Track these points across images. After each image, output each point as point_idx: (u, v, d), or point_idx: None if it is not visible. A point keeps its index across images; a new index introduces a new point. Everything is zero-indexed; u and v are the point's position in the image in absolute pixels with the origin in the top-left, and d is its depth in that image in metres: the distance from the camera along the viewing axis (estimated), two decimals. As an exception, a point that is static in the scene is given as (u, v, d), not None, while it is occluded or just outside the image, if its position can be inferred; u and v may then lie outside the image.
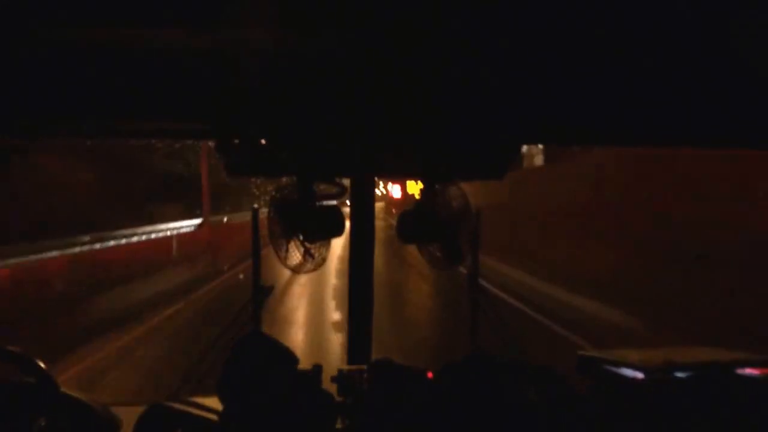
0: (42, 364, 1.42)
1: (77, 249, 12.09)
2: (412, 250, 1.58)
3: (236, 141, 1.43)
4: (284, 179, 1.53)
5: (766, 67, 1.17)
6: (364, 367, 1.60)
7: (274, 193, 1.50)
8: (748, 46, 1.12)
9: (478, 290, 1.72)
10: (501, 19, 1.04)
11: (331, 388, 1.57)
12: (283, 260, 1.51)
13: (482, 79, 1.23)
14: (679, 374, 1.51)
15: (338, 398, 1.56)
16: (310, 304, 11.20)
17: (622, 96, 1.29)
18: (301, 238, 1.50)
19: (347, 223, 1.57)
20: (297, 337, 8.45)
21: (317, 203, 1.50)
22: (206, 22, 1.02)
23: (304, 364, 1.55)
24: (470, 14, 1.02)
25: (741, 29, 1.07)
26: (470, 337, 1.73)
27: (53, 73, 1.17)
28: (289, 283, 11.82)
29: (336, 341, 7.73)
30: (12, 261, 9.43)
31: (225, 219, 22.54)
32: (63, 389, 1.45)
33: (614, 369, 1.58)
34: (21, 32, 1.04)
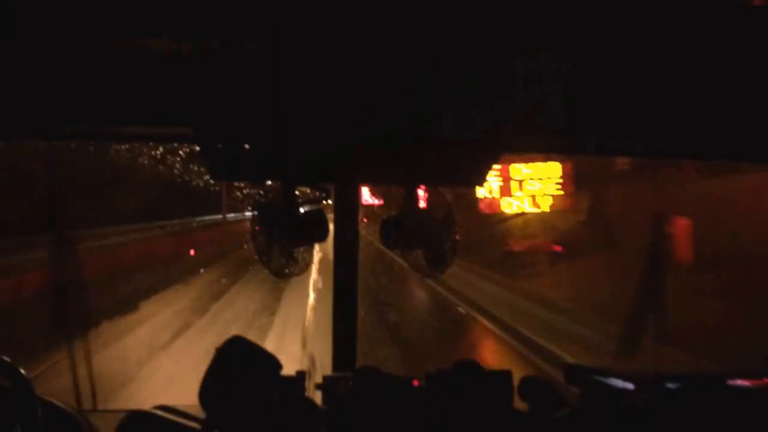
0: (20, 369, 1.40)
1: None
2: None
3: (219, 145, 1.42)
4: (268, 183, 1.52)
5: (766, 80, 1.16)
6: (349, 374, 1.58)
7: (257, 197, 1.49)
8: (748, 57, 1.11)
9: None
10: (482, 29, 1.03)
11: (316, 395, 1.55)
12: (266, 264, 1.49)
13: (464, 86, 1.22)
14: (670, 385, 1.48)
15: (323, 406, 1.54)
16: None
17: (604, 105, 1.28)
18: (284, 242, 1.48)
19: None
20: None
21: (302, 207, 1.49)
22: (192, 27, 1.02)
23: (288, 370, 1.53)
24: (454, 24, 1.01)
25: (741, 37, 1.06)
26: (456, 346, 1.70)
27: (38, 78, 1.17)
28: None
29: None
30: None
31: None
32: (40, 395, 1.42)
33: (603, 379, 1.55)
34: (9, 38, 1.03)
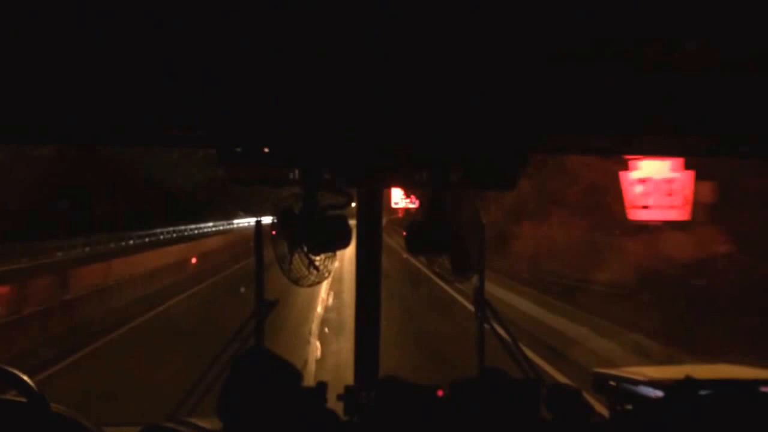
0: (31, 382, 1.37)
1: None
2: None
3: (239, 150, 1.39)
4: (289, 189, 1.49)
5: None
6: (372, 384, 1.54)
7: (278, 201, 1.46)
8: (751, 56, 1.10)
9: (485, 305, 1.65)
10: (511, 30, 1.02)
11: (337, 406, 1.51)
12: (287, 273, 1.46)
13: (492, 89, 1.21)
14: (701, 392, 1.45)
15: (344, 417, 1.50)
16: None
17: (631, 105, 1.27)
18: (306, 249, 1.45)
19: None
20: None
21: (324, 213, 1.46)
22: (212, 33, 1.01)
23: (309, 380, 1.49)
24: (480, 26, 1.00)
25: (741, 39, 1.06)
26: (478, 354, 1.67)
27: (60, 79, 1.16)
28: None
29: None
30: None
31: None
32: (54, 408, 1.39)
33: (632, 387, 1.52)
34: (30, 40, 1.02)
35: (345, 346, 7.62)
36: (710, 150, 1.64)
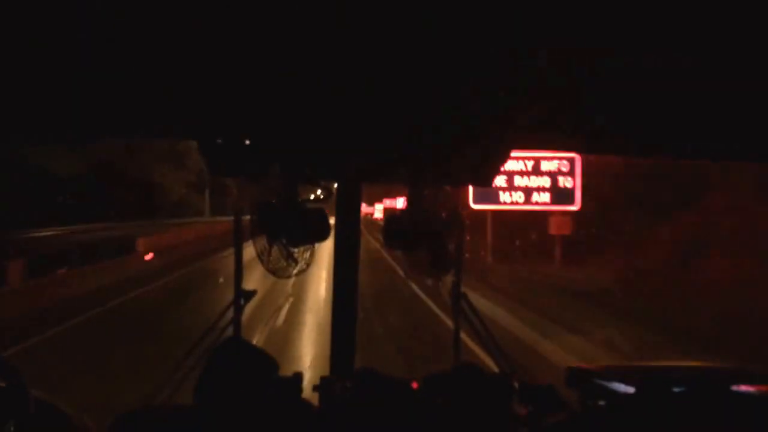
0: (12, 367, 1.37)
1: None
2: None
3: (219, 141, 1.40)
4: (268, 181, 1.50)
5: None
6: (347, 375, 1.56)
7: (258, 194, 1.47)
8: (750, 55, 1.10)
9: (462, 300, 1.67)
10: (490, 29, 1.02)
11: (313, 397, 1.53)
12: (266, 264, 1.47)
13: (470, 85, 1.21)
14: (673, 390, 1.47)
15: (320, 408, 1.52)
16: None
17: (609, 104, 1.27)
18: (285, 241, 1.46)
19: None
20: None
21: (303, 206, 1.47)
22: (193, 22, 1.00)
23: (285, 371, 1.51)
24: (458, 23, 1.00)
25: (742, 38, 1.05)
26: (453, 348, 1.69)
27: (36, 73, 1.15)
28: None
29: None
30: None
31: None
32: (34, 392, 1.40)
33: (605, 383, 1.53)
34: (12, 36, 1.01)
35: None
36: (706, 153, 1.63)
